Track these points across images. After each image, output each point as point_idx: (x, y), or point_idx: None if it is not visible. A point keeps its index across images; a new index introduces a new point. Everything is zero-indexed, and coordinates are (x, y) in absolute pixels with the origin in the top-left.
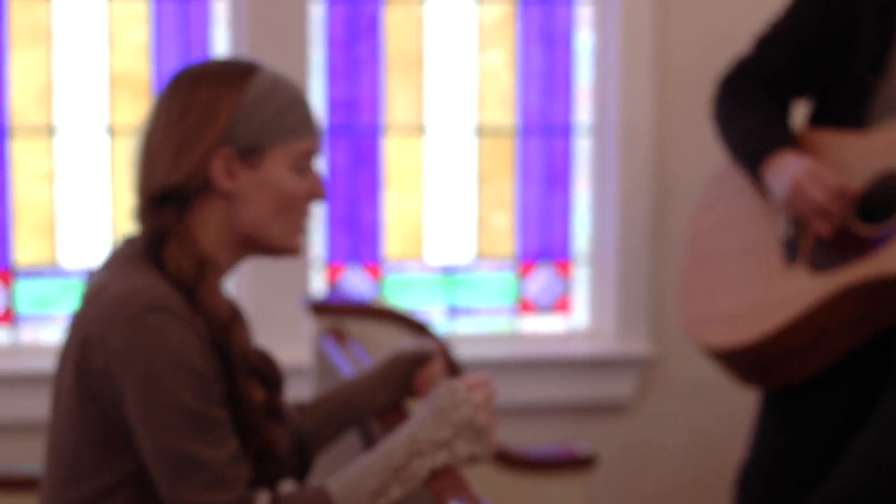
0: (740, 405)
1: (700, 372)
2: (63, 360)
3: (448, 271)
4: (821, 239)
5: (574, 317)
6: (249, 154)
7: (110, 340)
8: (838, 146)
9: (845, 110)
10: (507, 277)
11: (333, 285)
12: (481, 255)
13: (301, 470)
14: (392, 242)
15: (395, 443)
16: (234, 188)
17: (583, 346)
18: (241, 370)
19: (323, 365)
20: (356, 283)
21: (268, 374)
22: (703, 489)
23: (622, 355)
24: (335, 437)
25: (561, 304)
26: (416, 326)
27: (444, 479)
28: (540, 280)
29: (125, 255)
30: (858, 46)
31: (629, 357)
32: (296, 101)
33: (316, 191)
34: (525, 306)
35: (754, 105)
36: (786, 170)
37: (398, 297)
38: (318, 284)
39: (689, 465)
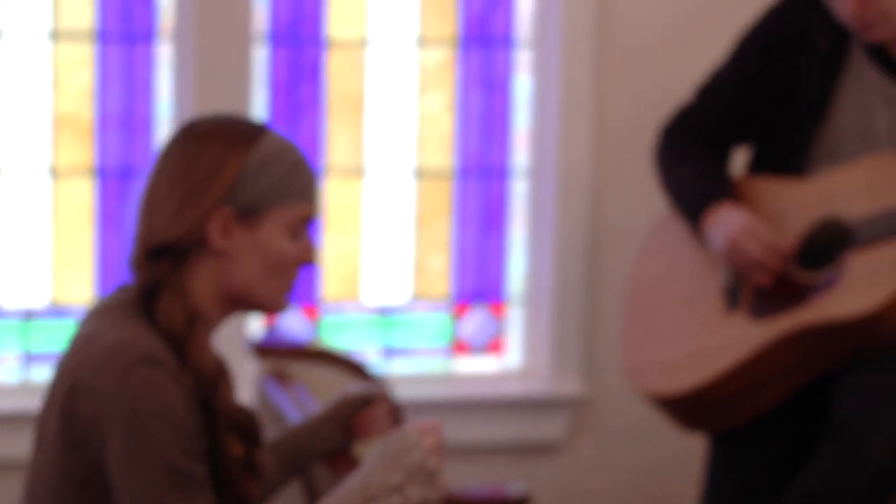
0: (673, 448)
1: (633, 414)
2: (49, 403)
3: (384, 312)
4: (759, 288)
5: (508, 357)
6: (249, 215)
7: (100, 388)
8: (777, 194)
9: (785, 157)
10: (442, 318)
11: (271, 327)
12: (417, 297)
13: None
14: (329, 284)
15: (348, 489)
16: (228, 248)
17: (516, 386)
18: (224, 426)
19: (266, 407)
20: (293, 324)
21: (248, 429)
22: None
23: (555, 396)
24: (283, 483)
25: (495, 345)
26: (357, 369)
27: None
28: (474, 321)
29: (118, 304)
30: (799, 95)
31: (562, 398)
32: (299, 167)
33: (307, 255)
34: (460, 347)
35: (694, 155)
36: (724, 223)
37: (335, 338)
38: (255, 326)
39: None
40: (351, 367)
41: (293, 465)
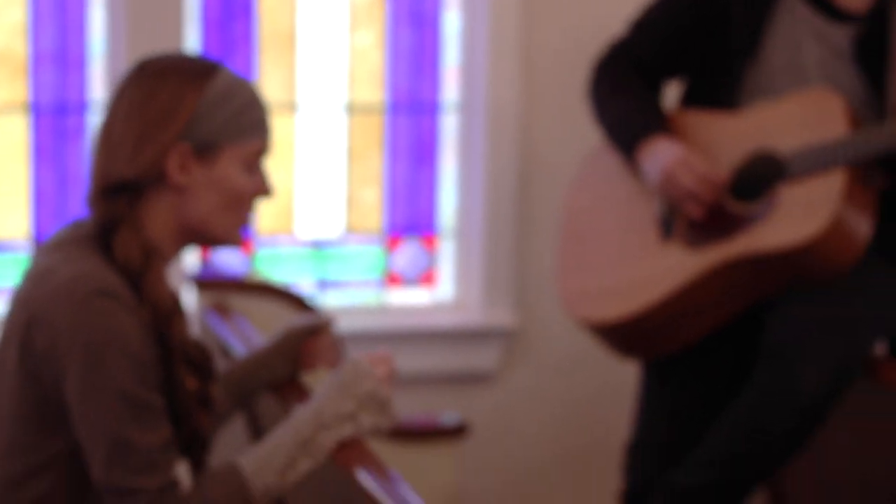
0: (606, 377)
1: (565, 344)
2: (6, 337)
3: (317, 245)
4: (694, 219)
5: (440, 289)
6: (205, 151)
7: (57, 322)
8: (710, 127)
9: (718, 91)
10: (375, 251)
11: (206, 260)
12: (350, 230)
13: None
14: (263, 217)
15: (301, 417)
16: (186, 183)
17: (449, 317)
18: (178, 359)
19: (208, 339)
20: (228, 257)
21: (202, 363)
22: (569, 459)
23: (487, 327)
24: (230, 415)
25: (427, 278)
26: (297, 301)
27: (350, 450)
28: (407, 254)
29: (73, 239)
30: (730, 30)
31: (495, 328)
32: (253, 102)
33: (263, 189)
34: (392, 279)
35: (628, 89)
36: (658, 155)
37: (269, 271)
38: (191, 259)
39: (555, 435)
40: (291, 299)
41: (241, 396)
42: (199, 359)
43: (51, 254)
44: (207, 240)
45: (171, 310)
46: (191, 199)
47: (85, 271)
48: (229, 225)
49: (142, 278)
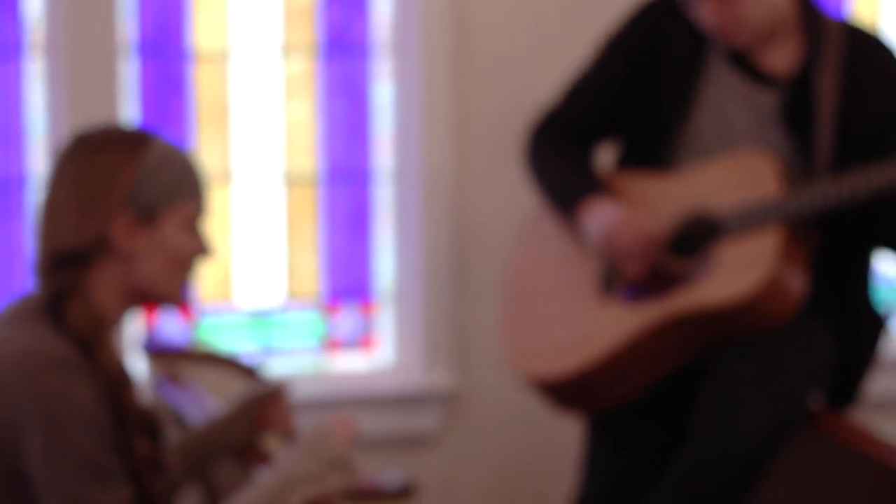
0: (547, 436)
1: (506, 404)
2: None
3: (258, 314)
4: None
5: (380, 354)
6: (148, 217)
7: (12, 393)
8: (645, 188)
9: (650, 154)
10: (314, 318)
11: (150, 330)
12: (289, 297)
13: None
14: (204, 287)
15: (268, 479)
16: (132, 249)
17: (390, 381)
18: (131, 424)
19: (161, 407)
20: (171, 326)
21: (152, 427)
22: None
23: (428, 390)
24: (191, 480)
25: (366, 342)
26: (244, 370)
27: None
28: (346, 320)
29: (23, 312)
30: (660, 96)
31: (435, 391)
32: (188, 167)
33: (204, 249)
34: (332, 345)
35: (564, 153)
36: (598, 216)
37: (211, 338)
38: (134, 329)
39: (500, 494)
40: (238, 367)
41: (199, 463)
42: (149, 423)
43: (2, 328)
44: (153, 301)
45: (121, 376)
46: (137, 264)
47: (36, 343)
48: (174, 286)
49: (92, 347)
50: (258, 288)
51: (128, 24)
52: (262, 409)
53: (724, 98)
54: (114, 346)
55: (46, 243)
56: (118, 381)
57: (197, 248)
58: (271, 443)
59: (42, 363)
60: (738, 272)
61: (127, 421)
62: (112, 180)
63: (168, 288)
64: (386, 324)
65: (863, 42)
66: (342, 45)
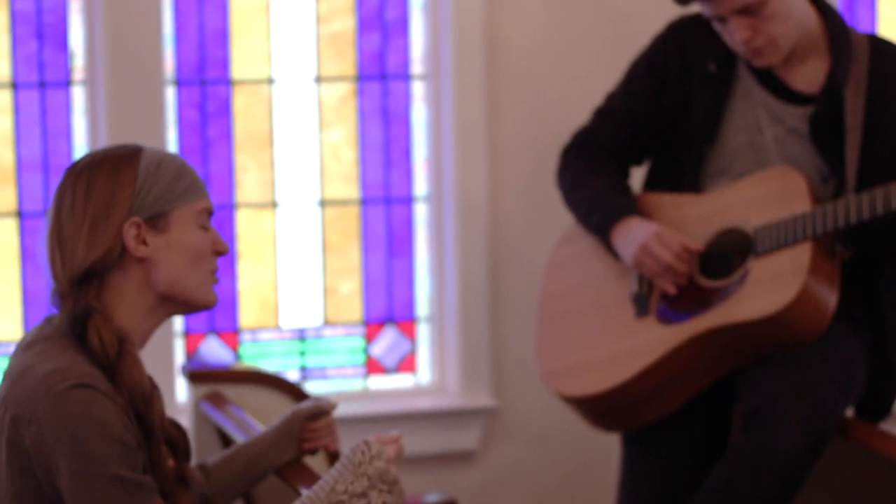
0: (581, 450)
1: (540, 420)
2: None
3: (300, 336)
4: (667, 294)
5: (419, 375)
6: (156, 220)
7: (39, 418)
8: (678, 208)
9: (680, 173)
10: (356, 340)
11: (193, 355)
12: (330, 321)
13: None
14: (246, 311)
15: (315, 494)
16: (148, 254)
17: (429, 402)
18: (158, 440)
19: (203, 430)
20: (215, 350)
21: (179, 443)
22: None
23: (466, 408)
24: (238, 496)
25: (407, 364)
26: (289, 388)
27: None
28: (386, 341)
29: (46, 336)
30: (691, 116)
31: (473, 409)
32: (184, 168)
33: (219, 245)
34: (373, 367)
35: (597, 173)
36: (633, 234)
37: (254, 361)
38: (177, 354)
39: None
40: (283, 386)
41: (248, 478)
42: (176, 439)
43: (26, 352)
44: (183, 303)
45: (148, 392)
46: (156, 268)
47: (61, 366)
48: (199, 282)
49: (118, 365)
50: (300, 311)
51: (169, 53)
52: (308, 426)
53: (753, 115)
54: (139, 363)
55: (61, 268)
56: (145, 397)
57: (212, 243)
58: (316, 461)
59: (66, 386)
60: (771, 288)
61: (155, 437)
62: (113, 193)
63: (193, 285)
64: (423, 345)
65: (890, 56)
66: (379, 71)
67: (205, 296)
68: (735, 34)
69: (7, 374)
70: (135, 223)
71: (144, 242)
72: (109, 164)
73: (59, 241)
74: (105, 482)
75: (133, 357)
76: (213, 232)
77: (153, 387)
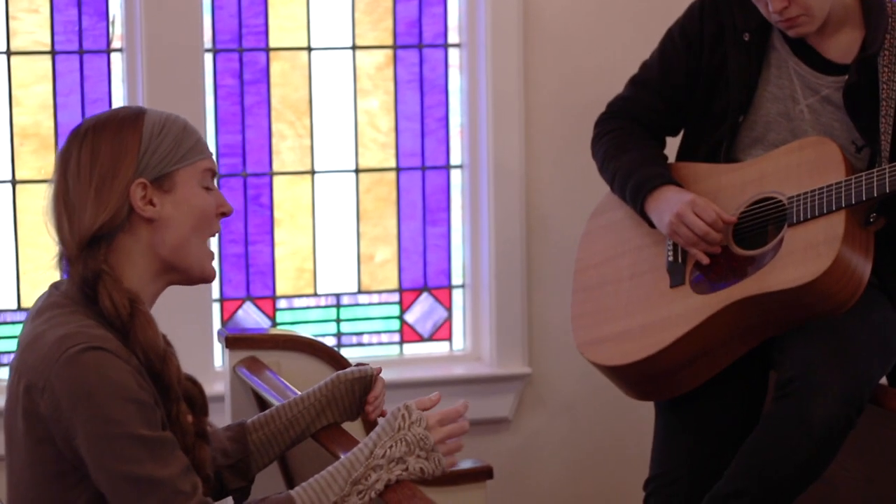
0: (616, 417)
1: (574, 387)
2: (11, 405)
3: (336, 303)
4: (702, 263)
5: (454, 342)
6: (162, 180)
7: (55, 384)
8: (712, 177)
9: (716, 144)
10: (392, 307)
11: (229, 319)
12: (366, 288)
13: (244, 486)
14: (283, 278)
15: (354, 457)
16: (155, 214)
17: (464, 368)
18: (176, 396)
19: (239, 394)
20: (251, 315)
21: (196, 398)
22: (588, 497)
23: (500, 375)
24: (277, 456)
25: (442, 331)
26: (327, 352)
27: (398, 490)
28: (421, 308)
29: (56, 302)
30: (726, 85)
31: (507, 377)
32: (187, 129)
33: (224, 206)
34: (408, 333)
35: (632, 142)
36: (669, 202)
37: (291, 328)
38: (215, 319)
39: (572, 475)
40: (320, 351)
41: (288, 438)
42: (194, 394)
43: (35, 320)
44: (184, 271)
45: (163, 350)
46: (163, 228)
47: (70, 331)
48: (202, 253)
49: (131, 325)
50: (336, 277)
51: (207, 21)
52: (368, 398)
53: (788, 84)
54: (152, 322)
55: (69, 232)
56: (160, 354)
57: (217, 203)
58: (353, 426)
59: (77, 351)
60: (805, 257)
61: (172, 394)
62: (119, 156)
63: (196, 254)
64: (458, 311)
65: None
66: (415, 40)
67: (203, 268)
68: (770, 3)
69: (20, 342)
70: (141, 184)
71: (151, 203)
72: (113, 127)
73: (66, 204)
74: (126, 442)
75: (146, 316)
76: (217, 193)
77: (167, 344)
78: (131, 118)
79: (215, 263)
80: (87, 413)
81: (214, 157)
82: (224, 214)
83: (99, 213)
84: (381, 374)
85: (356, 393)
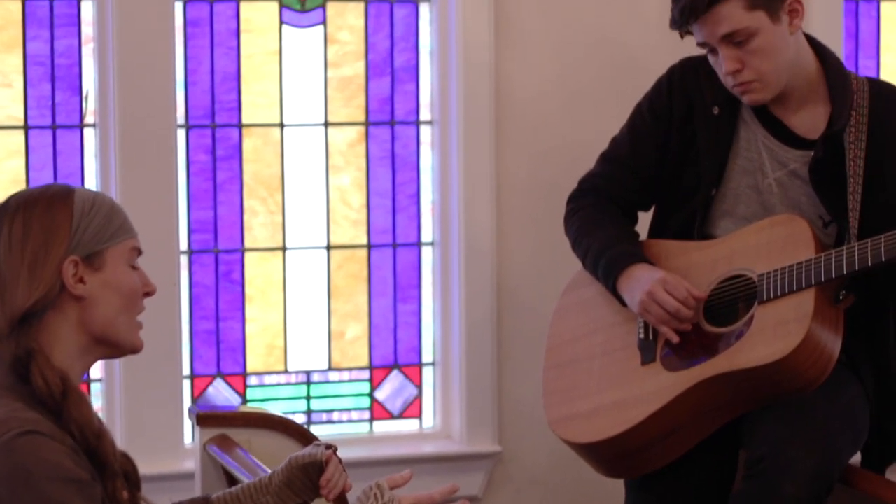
0: (585, 498)
1: (543, 465)
2: None
3: (306, 380)
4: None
5: (424, 420)
6: (93, 258)
7: None
8: (683, 255)
9: (689, 217)
10: (362, 385)
11: (200, 397)
12: (336, 365)
13: None
14: (253, 354)
15: None
16: (85, 292)
17: (433, 446)
18: (112, 474)
19: (210, 472)
20: (221, 393)
21: (131, 474)
22: None
23: (470, 453)
24: None
25: (412, 409)
26: (297, 431)
27: None
28: (391, 386)
29: None
30: (696, 158)
31: (477, 455)
32: (115, 208)
33: (148, 285)
34: (378, 411)
35: (604, 220)
36: (639, 282)
37: (261, 405)
38: (185, 396)
39: None
40: (291, 429)
41: None
42: (129, 469)
43: None
44: (113, 346)
45: (98, 427)
46: (92, 307)
47: (5, 416)
48: (131, 327)
49: (64, 403)
50: (307, 354)
51: (180, 97)
52: (322, 481)
53: (757, 157)
54: (85, 399)
55: (2, 311)
56: (95, 432)
57: (143, 283)
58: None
59: (10, 437)
60: (775, 334)
61: (109, 470)
62: (50, 232)
63: (125, 330)
64: (429, 389)
65: (890, 100)
66: (387, 117)
67: (133, 343)
68: (724, 65)
69: None
70: (73, 261)
71: (82, 281)
72: (44, 204)
73: None
74: None
75: (79, 394)
76: (142, 272)
77: (100, 421)
78: (62, 195)
79: (185, 339)
80: (27, 497)
81: (186, 232)
82: (148, 294)
83: (32, 291)
84: (349, 452)
85: (311, 476)
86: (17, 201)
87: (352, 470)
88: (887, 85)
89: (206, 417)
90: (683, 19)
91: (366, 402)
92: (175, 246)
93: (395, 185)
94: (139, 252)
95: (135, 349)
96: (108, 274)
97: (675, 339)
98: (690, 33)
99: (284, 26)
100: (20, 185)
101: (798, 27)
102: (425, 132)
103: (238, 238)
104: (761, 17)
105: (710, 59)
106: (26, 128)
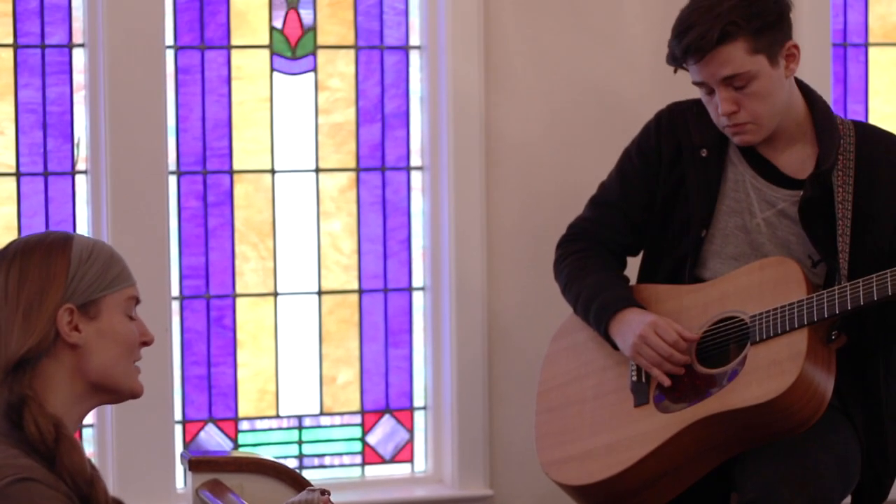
0: None
1: None
2: None
3: (298, 424)
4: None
5: (416, 464)
6: (88, 307)
7: None
8: (673, 298)
9: (680, 259)
10: (353, 429)
11: (191, 441)
12: (328, 409)
13: None
14: (245, 399)
15: None
16: (80, 340)
17: (425, 490)
18: None
19: None
20: (212, 437)
21: None
22: None
23: (462, 497)
24: None
25: (404, 453)
26: (290, 476)
27: None
28: (383, 430)
29: None
30: (685, 201)
31: (468, 499)
32: (114, 256)
33: (146, 335)
34: (370, 455)
35: (594, 265)
36: (630, 326)
37: (252, 450)
38: (177, 441)
39: None
40: (284, 475)
41: None
42: None
43: None
44: (112, 392)
45: (90, 474)
46: (88, 355)
47: None
48: (130, 372)
49: (57, 450)
50: (299, 399)
51: (171, 144)
52: None
53: (746, 197)
54: (78, 446)
55: None
56: (87, 479)
57: (140, 332)
58: None
59: (5, 484)
60: (768, 375)
61: None
62: (47, 280)
63: (124, 375)
64: (420, 433)
65: (876, 142)
66: (378, 162)
67: (132, 388)
68: (720, 106)
69: None
70: (68, 309)
71: (77, 329)
72: (42, 251)
73: None
74: None
75: (71, 441)
76: (139, 322)
77: (93, 467)
78: (60, 243)
79: (176, 384)
80: None
81: (177, 278)
82: (146, 344)
83: (26, 338)
84: (341, 497)
85: None
86: (15, 248)
87: None
88: (872, 128)
89: (199, 462)
90: (685, 57)
91: (357, 446)
92: (167, 292)
93: (386, 231)
94: (137, 301)
95: (134, 394)
96: (103, 322)
97: (666, 381)
98: (685, 69)
99: (275, 73)
100: (12, 232)
101: (793, 71)
102: (416, 178)
103: (230, 284)
104: (762, 62)
105: (704, 98)
106: (18, 175)
